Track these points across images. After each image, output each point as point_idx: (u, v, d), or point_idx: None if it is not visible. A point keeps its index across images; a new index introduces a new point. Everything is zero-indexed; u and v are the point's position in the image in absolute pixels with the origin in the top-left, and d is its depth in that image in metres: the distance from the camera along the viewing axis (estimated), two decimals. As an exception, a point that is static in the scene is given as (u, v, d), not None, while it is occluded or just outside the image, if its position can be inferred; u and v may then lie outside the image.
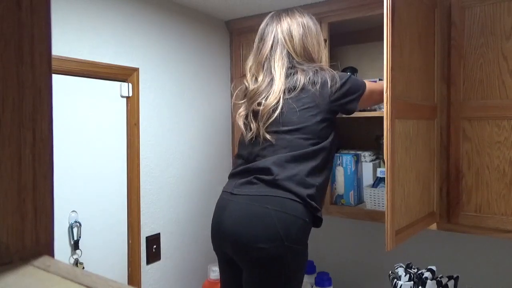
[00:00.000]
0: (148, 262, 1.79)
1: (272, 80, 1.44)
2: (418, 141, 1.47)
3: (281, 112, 1.39)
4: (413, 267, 1.68)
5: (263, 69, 1.47)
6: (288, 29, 1.48)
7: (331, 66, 1.66)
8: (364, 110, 1.87)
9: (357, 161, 1.89)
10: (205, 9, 2.02)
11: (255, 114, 1.46)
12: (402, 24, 1.33)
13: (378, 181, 1.83)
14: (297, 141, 1.37)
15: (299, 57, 1.46)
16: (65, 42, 1.48)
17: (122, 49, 1.69)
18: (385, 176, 1.28)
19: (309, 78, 1.41)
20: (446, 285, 1.58)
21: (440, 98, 1.62)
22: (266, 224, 1.30)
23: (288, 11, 1.54)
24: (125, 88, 1.69)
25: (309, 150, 1.37)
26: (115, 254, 1.68)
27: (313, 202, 1.35)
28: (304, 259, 1.38)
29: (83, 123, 1.55)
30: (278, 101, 1.40)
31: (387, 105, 1.27)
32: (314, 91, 1.40)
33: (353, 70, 2.05)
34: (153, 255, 1.81)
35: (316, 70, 1.45)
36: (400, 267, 1.67)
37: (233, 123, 2.24)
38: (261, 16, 2.09)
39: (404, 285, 1.59)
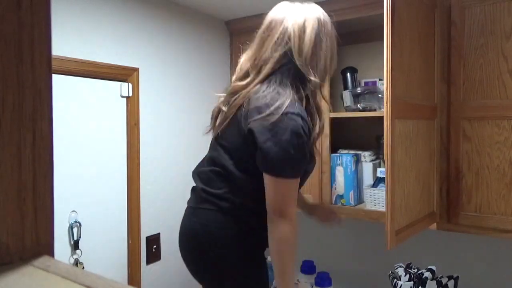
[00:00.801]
0: (148, 262, 1.79)
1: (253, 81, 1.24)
2: (418, 141, 1.47)
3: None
4: (413, 267, 1.68)
5: (257, 65, 1.26)
6: (303, 23, 1.22)
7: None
8: (364, 110, 1.87)
9: (357, 161, 1.89)
10: (205, 9, 2.02)
11: (218, 113, 1.31)
12: (402, 24, 1.33)
13: (378, 181, 1.83)
14: (223, 158, 1.24)
15: (302, 62, 1.19)
16: (65, 42, 1.48)
17: (122, 49, 1.69)
18: (385, 176, 1.28)
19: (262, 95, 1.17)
20: (446, 285, 1.58)
21: (440, 98, 1.62)
22: (194, 245, 1.23)
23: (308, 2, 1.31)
24: (125, 88, 1.69)
25: (232, 170, 1.22)
26: (115, 254, 1.68)
27: (241, 215, 1.22)
28: (252, 275, 1.24)
29: (83, 123, 1.55)
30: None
31: (387, 105, 1.27)
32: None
33: (353, 70, 2.05)
34: (153, 255, 1.81)
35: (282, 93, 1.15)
36: (400, 267, 1.67)
37: (233, 123, 2.24)
38: (261, 16, 2.09)
39: (404, 285, 1.59)
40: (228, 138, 1.23)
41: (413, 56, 1.42)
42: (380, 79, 1.97)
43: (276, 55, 1.20)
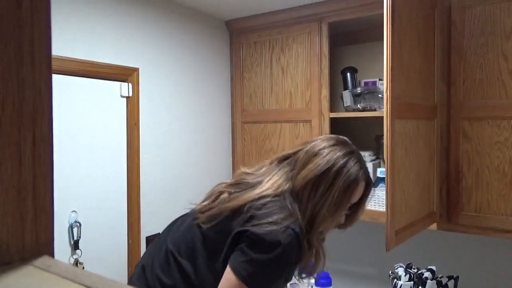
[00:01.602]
0: (148, 262, 1.79)
1: (256, 184, 1.11)
2: (418, 141, 1.47)
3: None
4: (413, 267, 1.68)
5: (270, 164, 1.18)
6: (316, 153, 1.08)
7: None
8: (364, 110, 1.87)
9: (357, 161, 1.89)
10: (205, 9, 2.02)
11: (217, 197, 1.15)
12: (402, 24, 1.33)
13: (378, 181, 1.83)
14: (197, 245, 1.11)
15: (296, 187, 1.07)
16: (65, 42, 1.48)
17: (122, 49, 1.69)
18: (385, 176, 1.28)
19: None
20: (446, 285, 1.58)
21: (440, 98, 1.62)
22: None
23: (346, 142, 1.14)
24: (125, 88, 1.69)
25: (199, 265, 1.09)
26: (115, 254, 1.68)
27: None
28: None
29: (83, 123, 1.55)
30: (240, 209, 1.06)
31: (387, 105, 1.27)
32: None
33: (353, 70, 2.05)
34: (153, 255, 1.81)
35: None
36: (400, 267, 1.67)
37: (233, 123, 2.24)
38: (261, 16, 2.10)
39: (404, 285, 1.59)
40: (212, 227, 1.09)
41: (413, 56, 1.42)
42: (380, 79, 1.98)
43: (285, 168, 1.12)
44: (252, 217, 1.03)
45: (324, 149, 1.08)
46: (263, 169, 1.17)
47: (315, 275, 1.18)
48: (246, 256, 1.00)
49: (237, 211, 1.06)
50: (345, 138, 1.16)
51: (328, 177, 1.04)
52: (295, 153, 1.14)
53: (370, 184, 1.16)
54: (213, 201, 1.14)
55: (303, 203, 1.06)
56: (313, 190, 1.05)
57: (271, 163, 1.17)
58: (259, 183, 1.11)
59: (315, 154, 1.07)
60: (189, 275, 1.07)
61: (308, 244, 1.06)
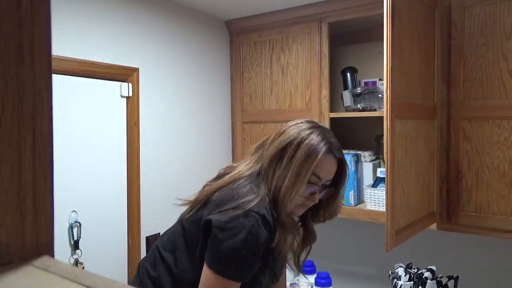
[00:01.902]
0: (148, 262, 1.79)
1: (229, 172, 1.16)
2: (418, 141, 1.47)
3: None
4: (413, 267, 1.68)
5: (250, 154, 1.20)
6: (282, 131, 1.12)
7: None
8: (364, 110, 1.87)
9: (357, 161, 1.89)
10: (205, 9, 2.02)
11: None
12: (402, 24, 1.33)
13: (378, 181, 1.83)
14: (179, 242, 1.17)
15: (263, 166, 1.10)
16: (65, 42, 1.48)
17: (122, 49, 1.69)
18: (385, 176, 1.28)
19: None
20: (446, 285, 1.58)
21: (440, 98, 1.62)
22: None
23: (314, 122, 1.15)
24: (125, 88, 1.69)
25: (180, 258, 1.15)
26: (115, 254, 1.68)
27: None
28: None
29: (83, 123, 1.55)
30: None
31: (387, 105, 1.27)
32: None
33: (353, 70, 2.05)
34: (153, 255, 1.81)
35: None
36: (400, 267, 1.67)
37: (233, 123, 2.24)
38: (261, 16, 2.10)
39: (404, 285, 1.59)
40: (189, 217, 1.13)
41: (413, 56, 1.42)
42: (380, 79, 1.98)
43: (259, 151, 1.16)
44: (217, 205, 1.05)
45: (290, 127, 1.11)
46: (243, 160, 1.20)
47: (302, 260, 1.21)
48: (215, 248, 1.01)
49: (208, 200, 1.09)
50: (316, 121, 1.18)
51: (290, 150, 1.06)
52: (268, 138, 1.16)
53: (343, 163, 1.15)
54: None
55: (269, 179, 1.07)
56: (278, 165, 1.06)
57: (251, 155, 1.19)
58: (233, 169, 1.15)
59: (282, 133, 1.10)
60: (171, 267, 1.11)
61: (279, 223, 1.06)
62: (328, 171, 1.11)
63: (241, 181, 1.09)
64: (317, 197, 1.11)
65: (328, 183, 1.13)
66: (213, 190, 1.10)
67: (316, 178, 1.08)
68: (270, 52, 2.10)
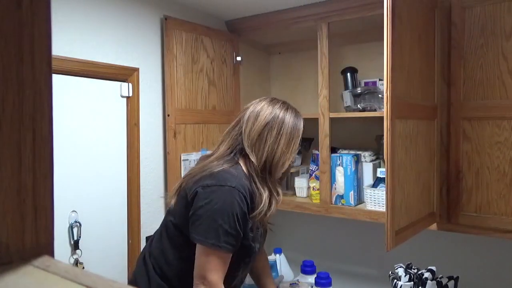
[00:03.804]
0: (148, 262, 1.79)
1: (210, 157, 1.32)
2: (418, 141, 1.47)
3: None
4: (413, 267, 1.67)
5: (221, 141, 1.34)
6: (259, 111, 1.28)
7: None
8: (364, 110, 1.87)
9: (357, 161, 1.89)
10: (205, 9, 2.02)
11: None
12: (402, 24, 1.33)
13: (378, 181, 1.83)
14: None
15: (248, 143, 1.26)
16: (65, 42, 1.48)
17: (122, 49, 1.69)
18: (385, 176, 1.28)
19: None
20: (446, 285, 1.58)
21: (440, 98, 1.62)
22: None
23: (277, 99, 1.34)
24: (125, 88, 1.69)
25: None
26: (115, 254, 1.68)
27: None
28: None
29: (83, 123, 1.55)
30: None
31: (387, 105, 1.27)
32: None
33: (353, 70, 2.05)
34: (153, 255, 1.81)
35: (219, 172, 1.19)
36: (400, 267, 1.67)
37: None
38: (261, 16, 2.10)
39: (404, 285, 1.58)
40: (173, 210, 1.28)
41: (413, 56, 1.42)
42: (380, 79, 1.98)
43: (232, 134, 1.30)
44: (198, 180, 1.19)
45: (264, 105, 1.29)
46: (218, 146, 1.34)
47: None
48: (194, 218, 1.15)
49: (189, 181, 1.22)
50: (272, 97, 1.37)
51: (276, 122, 1.26)
52: (239, 120, 1.31)
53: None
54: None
55: (260, 150, 1.24)
56: (268, 134, 1.25)
57: (223, 139, 1.33)
58: (212, 155, 1.30)
59: (260, 110, 1.28)
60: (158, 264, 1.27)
61: (263, 189, 1.23)
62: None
63: (214, 162, 1.24)
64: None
65: None
66: (189, 173, 1.26)
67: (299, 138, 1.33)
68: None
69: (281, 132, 1.26)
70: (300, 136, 1.32)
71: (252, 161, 1.24)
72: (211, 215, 1.12)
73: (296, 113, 1.33)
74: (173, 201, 1.26)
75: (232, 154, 1.26)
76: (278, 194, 1.29)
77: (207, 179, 1.17)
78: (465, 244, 1.87)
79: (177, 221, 1.24)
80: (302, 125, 1.32)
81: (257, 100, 1.33)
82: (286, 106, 1.32)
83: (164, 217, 1.36)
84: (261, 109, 1.28)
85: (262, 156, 1.24)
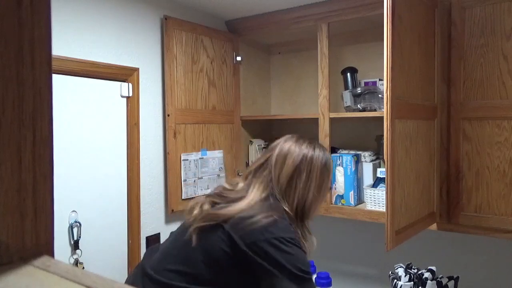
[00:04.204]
0: (148, 262, 1.79)
1: (242, 198, 1.16)
2: (418, 141, 1.47)
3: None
4: (413, 267, 1.67)
5: (245, 179, 1.25)
6: (286, 154, 1.21)
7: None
8: (364, 110, 1.87)
9: (357, 161, 1.89)
10: (205, 9, 2.02)
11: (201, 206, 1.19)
12: (402, 24, 1.33)
13: (378, 181, 1.83)
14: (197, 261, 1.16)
15: (278, 190, 1.18)
16: (65, 42, 1.48)
17: (122, 49, 1.69)
18: (385, 176, 1.28)
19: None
20: (446, 285, 1.58)
21: (440, 98, 1.62)
22: None
23: (303, 138, 1.27)
24: (125, 88, 1.69)
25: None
26: (115, 254, 1.68)
27: None
28: None
29: (83, 123, 1.55)
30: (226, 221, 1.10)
31: (387, 105, 1.27)
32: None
33: (353, 70, 2.05)
34: (153, 255, 1.81)
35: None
36: (400, 267, 1.67)
37: (237, 122, 2.24)
38: (261, 16, 2.10)
39: (404, 285, 1.58)
40: (205, 243, 1.11)
41: (413, 56, 1.42)
42: (380, 79, 1.98)
43: (261, 178, 1.20)
44: (261, 228, 1.06)
45: (291, 146, 1.23)
46: (241, 184, 1.23)
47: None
48: (290, 261, 1.04)
49: (227, 221, 1.09)
50: (297, 135, 1.30)
51: (305, 165, 1.20)
52: (266, 160, 1.24)
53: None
54: (200, 212, 1.16)
55: (290, 196, 1.18)
56: (298, 180, 1.19)
57: (246, 178, 1.25)
58: (244, 196, 1.17)
59: (287, 153, 1.21)
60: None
61: (302, 231, 1.19)
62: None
63: (260, 204, 1.13)
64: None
65: None
66: (232, 213, 1.10)
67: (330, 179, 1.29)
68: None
69: (311, 176, 1.20)
70: (331, 176, 1.26)
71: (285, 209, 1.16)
72: (299, 248, 1.08)
73: (324, 151, 1.26)
74: (195, 234, 1.11)
75: (265, 198, 1.16)
76: (310, 233, 1.22)
77: (273, 228, 1.06)
78: (465, 244, 1.87)
79: (209, 260, 1.09)
80: (331, 165, 1.26)
81: (283, 139, 1.26)
82: (313, 145, 1.24)
83: (177, 236, 1.19)
84: (288, 152, 1.21)
85: (293, 203, 1.18)
